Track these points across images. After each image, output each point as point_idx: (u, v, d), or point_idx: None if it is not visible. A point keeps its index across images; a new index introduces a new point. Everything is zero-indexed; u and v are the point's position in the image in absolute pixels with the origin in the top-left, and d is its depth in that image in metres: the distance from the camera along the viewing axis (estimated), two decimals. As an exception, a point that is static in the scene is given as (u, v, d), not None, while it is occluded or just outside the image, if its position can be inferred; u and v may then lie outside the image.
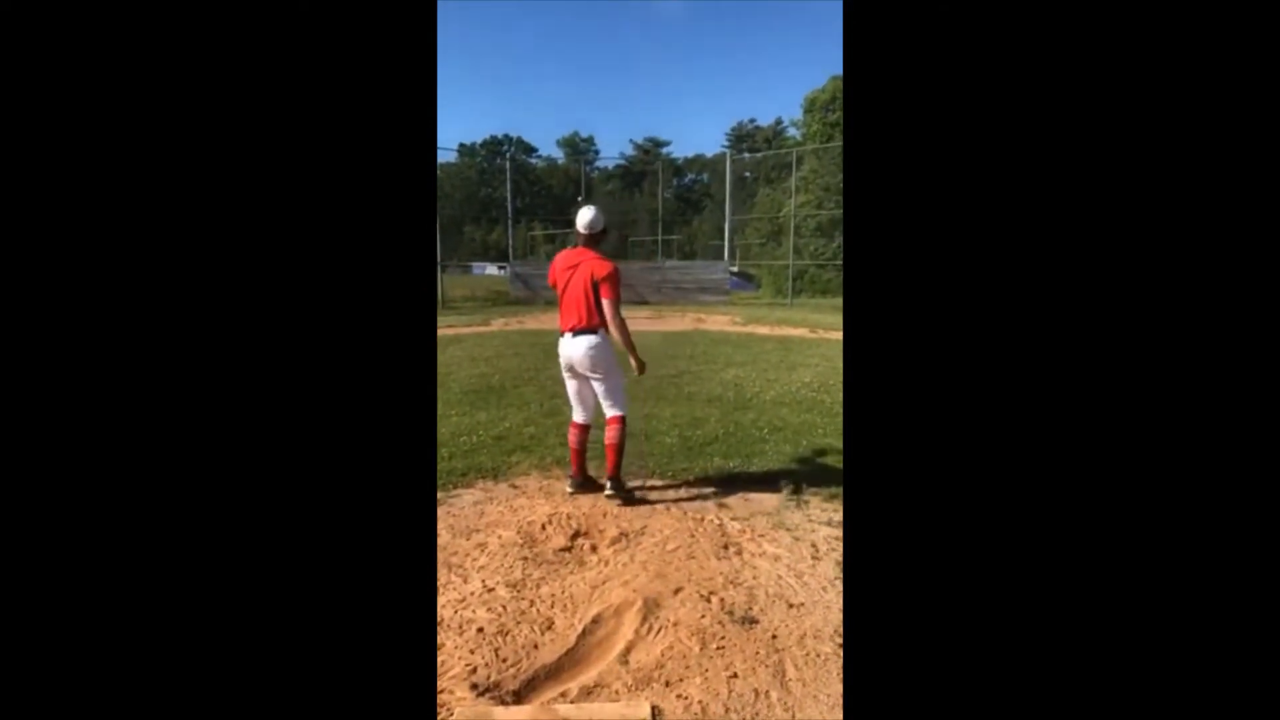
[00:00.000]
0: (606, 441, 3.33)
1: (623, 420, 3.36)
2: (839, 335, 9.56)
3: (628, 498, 3.33)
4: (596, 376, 3.32)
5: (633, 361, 3.41)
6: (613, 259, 3.35)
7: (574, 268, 3.29)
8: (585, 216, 3.34)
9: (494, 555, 2.70)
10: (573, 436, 3.46)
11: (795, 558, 2.66)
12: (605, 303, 3.23)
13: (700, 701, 1.81)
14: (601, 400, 3.37)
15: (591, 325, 3.25)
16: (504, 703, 1.81)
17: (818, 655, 2.02)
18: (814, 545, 2.79)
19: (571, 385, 3.43)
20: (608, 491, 3.30)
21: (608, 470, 3.33)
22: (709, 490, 3.48)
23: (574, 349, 3.26)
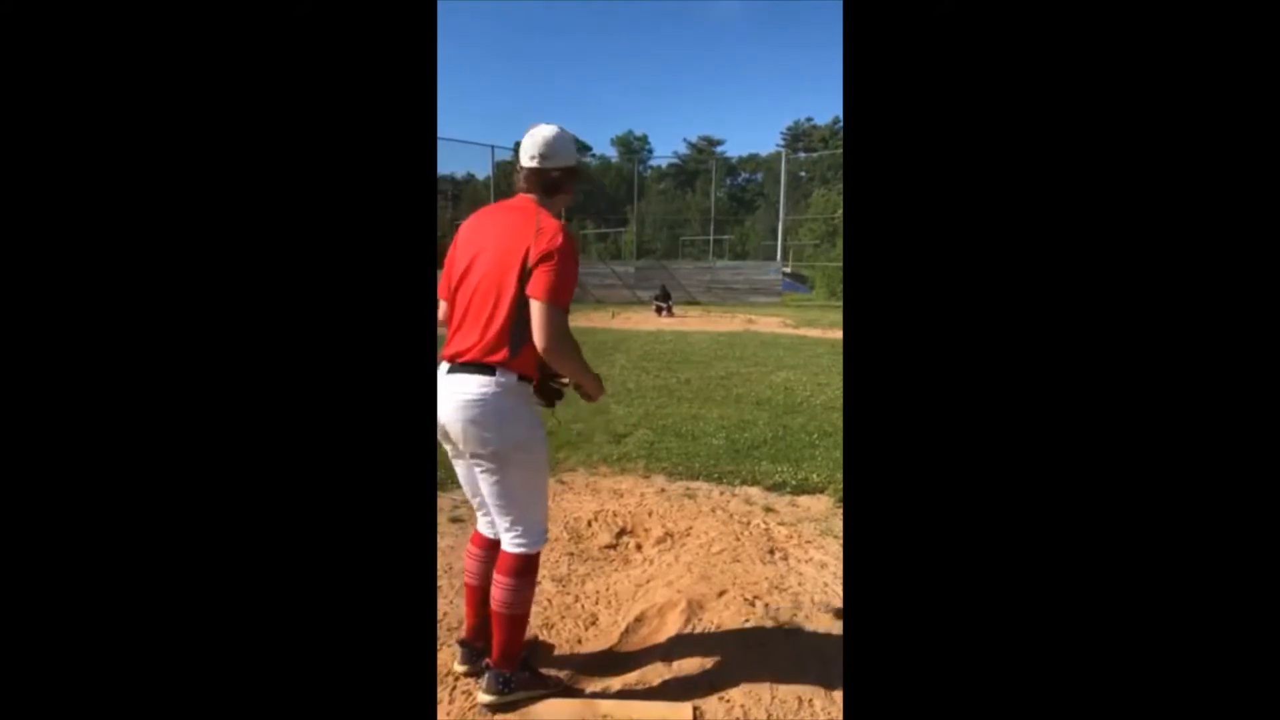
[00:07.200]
0: (493, 604, 1.74)
1: (530, 561, 1.75)
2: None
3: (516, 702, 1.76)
4: (484, 461, 1.66)
5: (583, 390, 1.78)
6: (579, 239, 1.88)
7: (481, 240, 1.66)
8: (539, 137, 1.68)
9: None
10: (468, 557, 1.90)
11: (842, 566, 2.62)
12: (539, 310, 1.55)
13: (743, 705, 1.80)
14: (494, 509, 1.75)
15: (489, 356, 1.59)
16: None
17: (864, 666, 1.98)
18: (862, 554, 2.74)
19: (460, 469, 1.80)
20: (484, 698, 1.74)
21: (493, 653, 1.76)
22: (755, 494, 3.45)
23: (447, 398, 1.62)
